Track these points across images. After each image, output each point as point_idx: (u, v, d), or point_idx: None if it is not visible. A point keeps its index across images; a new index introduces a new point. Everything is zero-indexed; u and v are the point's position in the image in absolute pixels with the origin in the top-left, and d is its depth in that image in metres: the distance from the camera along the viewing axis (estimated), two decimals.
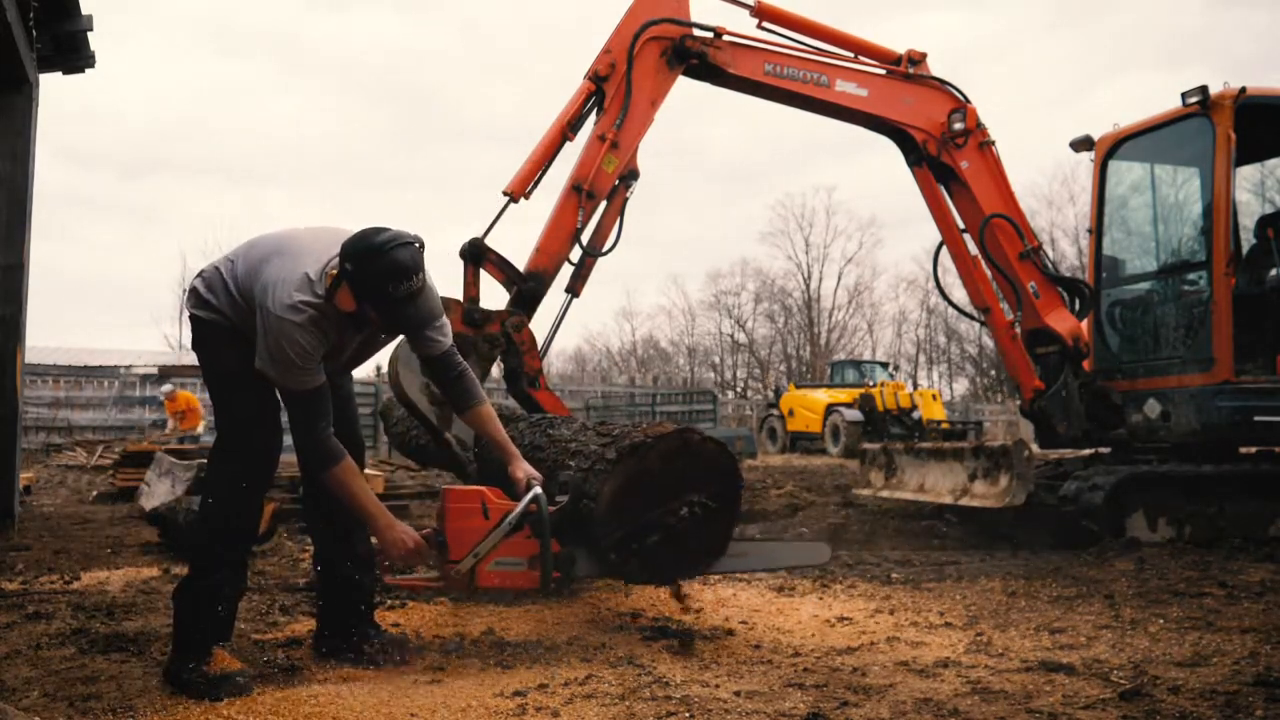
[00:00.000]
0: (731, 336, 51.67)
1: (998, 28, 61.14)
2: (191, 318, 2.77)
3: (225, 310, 2.70)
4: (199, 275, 2.79)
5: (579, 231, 4.63)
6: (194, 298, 2.76)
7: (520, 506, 2.77)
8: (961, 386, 46.55)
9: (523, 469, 2.92)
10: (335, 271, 2.54)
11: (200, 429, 14.53)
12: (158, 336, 44.15)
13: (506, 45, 64.77)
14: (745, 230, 70.96)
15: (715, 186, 66.83)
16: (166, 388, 15.34)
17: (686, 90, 5.20)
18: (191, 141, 55.04)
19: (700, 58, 4.99)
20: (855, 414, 18.59)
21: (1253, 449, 5.89)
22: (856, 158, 60.77)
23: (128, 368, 19.14)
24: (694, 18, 5.01)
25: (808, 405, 20.38)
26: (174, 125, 55.24)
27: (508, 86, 65.52)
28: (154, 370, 19.28)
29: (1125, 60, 59.16)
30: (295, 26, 60.72)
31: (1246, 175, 6.76)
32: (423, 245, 2.60)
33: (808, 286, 49.34)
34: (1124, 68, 58.76)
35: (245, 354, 2.63)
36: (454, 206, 65.56)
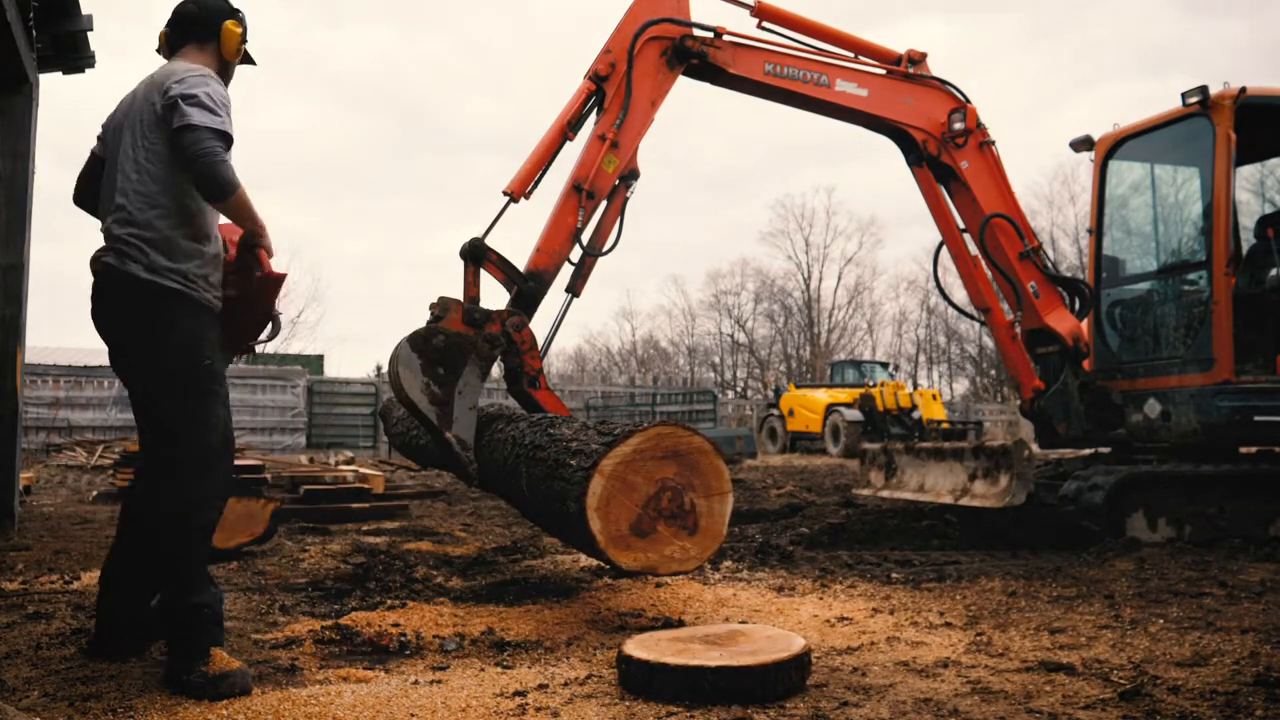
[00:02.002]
0: (731, 336, 51.74)
1: (978, 39, 61.49)
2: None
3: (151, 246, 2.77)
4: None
5: (579, 231, 4.63)
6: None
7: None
8: (961, 386, 46.63)
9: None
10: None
11: None
12: None
13: (498, 55, 65.31)
14: (745, 230, 71.12)
15: (715, 187, 66.99)
16: None
17: (687, 92, 5.21)
18: None
19: (700, 58, 4.99)
20: (855, 414, 18.61)
21: (1253, 449, 5.89)
22: (856, 158, 60.90)
23: None
24: (694, 18, 5.02)
25: (808, 405, 20.39)
26: None
27: (498, 97, 66.05)
28: None
29: (1101, 71, 59.50)
30: (293, 40, 61.23)
31: (1246, 175, 6.77)
32: None
33: (808, 286, 49.45)
34: (1100, 78, 59.10)
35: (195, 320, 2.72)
36: (447, 211, 66.08)
